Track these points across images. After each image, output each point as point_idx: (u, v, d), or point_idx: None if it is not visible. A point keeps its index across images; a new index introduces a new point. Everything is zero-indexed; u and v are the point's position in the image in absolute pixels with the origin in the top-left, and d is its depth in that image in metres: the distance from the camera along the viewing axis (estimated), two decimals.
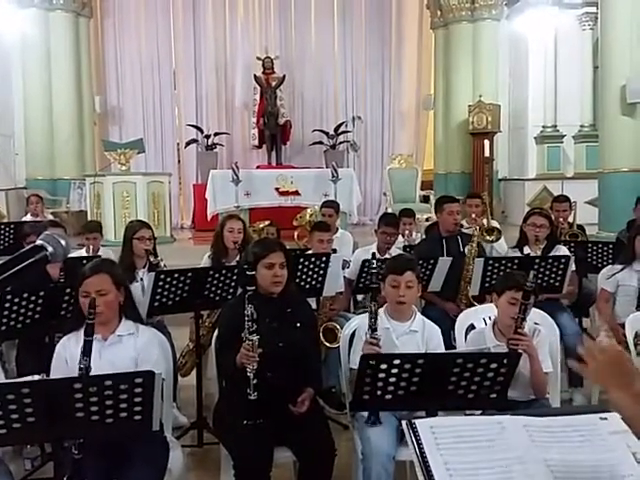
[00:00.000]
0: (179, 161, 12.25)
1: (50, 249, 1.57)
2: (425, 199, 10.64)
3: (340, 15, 12.36)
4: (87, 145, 11.07)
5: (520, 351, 2.66)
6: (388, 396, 2.39)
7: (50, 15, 10.46)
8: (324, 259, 4.10)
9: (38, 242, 1.60)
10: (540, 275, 3.99)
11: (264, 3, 12.21)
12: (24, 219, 7.11)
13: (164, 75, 12.06)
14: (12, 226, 5.69)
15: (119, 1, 11.83)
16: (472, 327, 3.20)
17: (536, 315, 3.15)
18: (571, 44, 10.39)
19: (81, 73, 10.91)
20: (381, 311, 2.89)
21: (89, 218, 8.11)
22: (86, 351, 2.29)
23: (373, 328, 2.73)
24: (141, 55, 11.91)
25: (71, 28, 10.70)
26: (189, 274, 3.67)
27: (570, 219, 5.60)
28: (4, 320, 3.20)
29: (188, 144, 11.35)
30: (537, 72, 10.49)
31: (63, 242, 1.61)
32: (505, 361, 2.43)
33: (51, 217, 7.14)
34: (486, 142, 10.56)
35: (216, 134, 11.35)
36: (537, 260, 4.14)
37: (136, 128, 11.77)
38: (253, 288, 2.69)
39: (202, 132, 11.26)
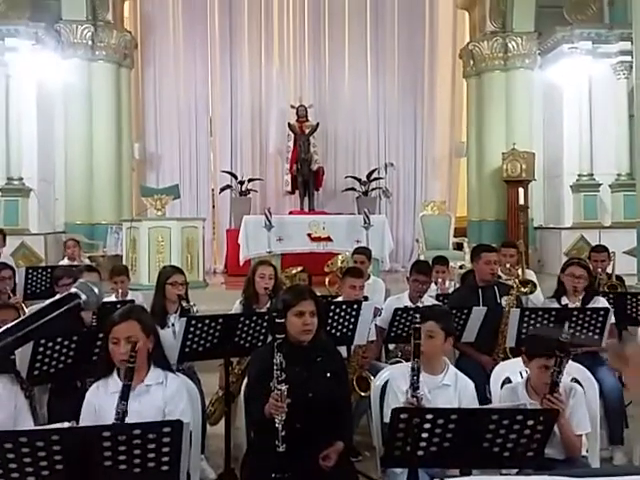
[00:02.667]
0: (213, 206, 12.41)
1: (84, 297, 1.59)
2: (458, 246, 10.53)
3: (373, 64, 12.56)
4: (125, 191, 11.31)
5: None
6: (420, 452, 2.31)
7: (92, 65, 10.85)
8: (355, 306, 4.06)
9: (72, 290, 1.62)
10: (579, 327, 3.89)
11: (299, 53, 12.49)
12: (61, 263, 7.24)
13: (201, 123, 12.34)
14: (49, 270, 5.78)
15: (159, 53, 12.23)
16: (508, 381, 3.11)
17: (574, 369, 3.05)
18: (606, 92, 10.34)
19: (121, 121, 11.23)
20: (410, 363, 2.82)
21: (124, 262, 8.22)
22: (124, 395, 2.29)
23: (415, 386, 2.65)
24: (179, 103, 12.23)
25: (112, 78, 11.07)
26: (220, 320, 3.66)
27: (609, 269, 5.49)
28: (37, 364, 3.21)
29: (222, 190, 11.53)
30: (572, 120, 10.42)
31: (96, 290, 1.63)
32: (542, 418, 2.35)
33: (87, 261, 7.26)
34: (521, 190, 10.48)
35: (250, 180, 11.50)
36: (575, 312, 4.03)
37: (172, 174, 12.01)
38: (282, 336, 2.66)
39: (236, 178, 11.42)
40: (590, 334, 4.00)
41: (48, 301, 1.60)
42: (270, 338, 3.08)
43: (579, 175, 10.40)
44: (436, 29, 12.73)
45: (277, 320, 2.72)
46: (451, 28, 12.84)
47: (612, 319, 4.12)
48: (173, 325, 4.05)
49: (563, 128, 10.53)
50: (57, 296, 4.74)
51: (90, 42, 10.74)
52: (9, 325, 1.47)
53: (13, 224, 9.41)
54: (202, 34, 12.25)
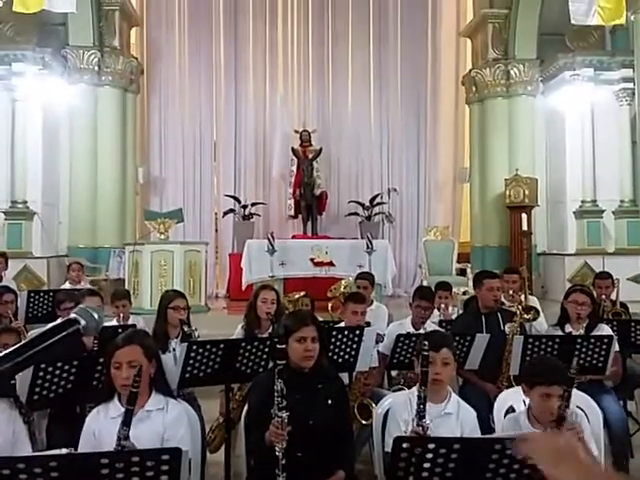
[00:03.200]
0: (216, 230, 12.43)
1: (83, 322, 1.59)
2: (462, 272, 10.51)
3: (376, 89, 12.66)
4: (129, 214, 11.36)
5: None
6: None
7: (98, 90, 10.96)
8: (358, 332, 4.03)
9: (72, 315, 1.62)
10: (582, 355, 3.86)
11: (303, 79, 12.61)
12: (63, 287, 7.24)
13: (205, 147, 12.42)
14: (51, 294, 5.78)
15: (165, 78, 12.36)
16: (512, 409, 3.07)
17: (577, 398, 3.01)
18: (608, 119, 10.39)
19: (126, 145, 11.32)
20: (413, 391, 2.80)
21: (126, 286, 8.22)
22: (126, 420, 2.27)
23: (421, 415, 2.61)
24: (184, 128, 12.32)
25: (118, 103, 11.18)
26: (221, 345, 3.64)
27: (613, 296, 5.46)
28: (37, 389, 3.19)
29: (226, 214, 11.56)
30: (574, 146, 10.46)
31: (96, 315, 1.62)
32: None
33: (89, 285, 7.25)
34: (524, 216, 10.47)
35: (253, 204, 11.54)
36: (579, 339, 4.00)
37: (176, 198, 12.06)
38: (284, 362, 2.64)
39: (239, 202, 11.47)
40: (594, 362, 3.96)
41: (48, 326, 1.60)
42: (271, 364, 3.07)
43: (582, 201, 10.40)
44: (439, 56, 12.86)
45: (278, 346, 2.70)
46: (453, 55, 12.97)
47: (616, 347, 4.09)
48: (174, 350, 4.02)
49: (566, 154, 10.57)
50: (58, 320, 4.73)
51: (96, 67, 10.87)
52: (8, 350, 1.46)
53: (16, 247, 9.43)
54: (207, 60, 12.40)
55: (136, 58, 11.69)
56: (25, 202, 9.75)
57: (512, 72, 11.34)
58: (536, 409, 2.75)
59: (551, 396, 2.64)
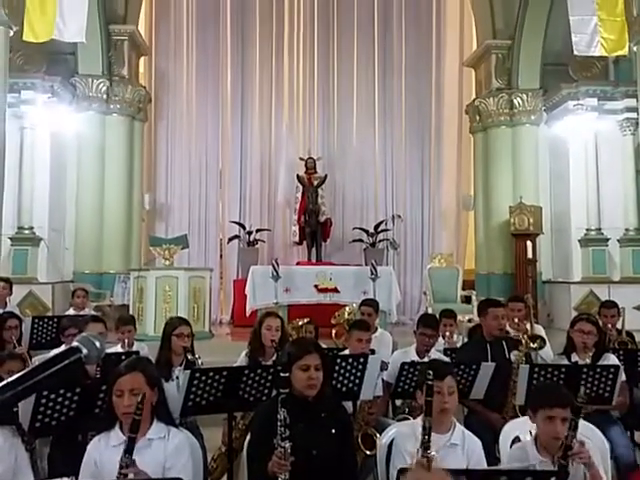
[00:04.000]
0: (221, 256, 12.45)
1: (85, 351, 1.57)
2: (466, 299, 10.47)
3: (381, 117, 12.77)
4: (134, 240, 11.40)
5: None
6: None
7: (106, 118, 11.09)
8: (362, 360, 4.01)
9: (74, 344, 1.61)
10: (589, 385, 3.82)
11: (308, 107, 12.73)
12: (67, 313, 7.23)
13: (211, 174, 12.51)
14: (55, 320, 5.77)
15: (172, 107, 12.51)
16: (518, 440, 3.03)
17: (584, 428, 2.96)
18: (612, 148, 10.42)
19: (133, 172, 11.41)
20: (418, 421, 2.77)
21: (131, 312, 8.21)
22: (129, 448, 2.25)
23: (426, 446, 2.57)
24: (190, 156, 12.42)
25: (126, 130, 11.29)
26: (224, 373, 3.62)
27: (618, 325, 5.42)
28: (39, 416, 3.17)
29: (230, 240, 11.60)
30: (578, 175, 10.48)
31: (98, 344, 1.61)
32: None
33: (93, 311, 7.24)
34: (528, 243, 10.47)
35: (258, 230, 11.58)
36: (585, 369, 3.97)
37: (182, 224, 12.11)
38: (287, 391, 2.62)
39: (244, 228, 11.51)
40: (601, 392, 3.92)
41: (50, 354, 1.60)
42: (275, 392, 3.04)
43: (587, 229, 10.38)
44: (442, 85, 12.99)
45: (281, 374, 2.68)
46: (457, 85, 13.10)
47: (623, 376, 4.05)
48: (177, 378, 4.00)
49: (570, 183, 10.58)
50: (62, 347, 4.73)
51: (105, 96, 11.01)
52: (10, 379, 1.46)
53: (22, 273, 9.45)
54: (214, 89, 12.55)
55: (144, 87, 11.84)
56: (31, 228, 9.79)
57: (515, 102, 11.42)
58: (542, 435, 2.72)
59: (554, 418, 2.61)
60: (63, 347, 4.74)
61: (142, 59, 12.23)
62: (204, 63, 12.58)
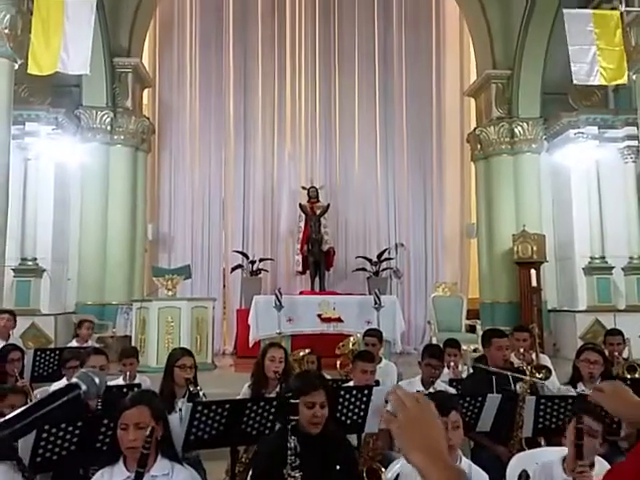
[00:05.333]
0: (224, 286, 12.42)
1: (84, 387, 1.56)
2: (471, 329, 10.39)
3: (382, 146, 12.85)
4: (137, 271, 11.39)
5: None
6: None
7: (110, 149, 11.18)
8: (366, 392, 3.96)
9: (73, 380, 1.60)
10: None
11: (310, 136, 12.81)
12: (70, 344, 7.20)
13: (214, 204, 12.55)
14: (57, 352, 5.74)
15: (176, 137, 12.61)
16: (525, 474, 2.97)
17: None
18: (614, 176, 10.43)
19: (136, 202, 11.45)
20: None
21: (133, 343, 8.16)
22: None
23: None
24: (193, 186, 12.48)
25: (129, 161, 11.37)
26: (227, 406, 3.57)
27: (625, 354, 5.37)
28: (40, 451, 3.13)
29: (234, 269, 11.58)
30: (581, 203, 10.48)
31: (97, 380, 1.60)
32: None
33: (95, 344, 7.21)
34: (532, 272, 10.40)
35: (261, 260, 11.56)
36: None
37: (185, 254, 12.11)
38: (297, 418, 2.57)
39: (247, 258, 11.50)
40: (608, 422, 3.86)
41: (52, 386, 1.58)
42: (278, 425, 3.00)
43: (591, 258, 10.33)
44: (443, 114, 13.09)
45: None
46: (458, 114, 13.20)
47: None
48: (180, 410, 3.95)
49: (572, 211, 10.58)
50: (63, 379, 4.68)
51: (109, 127, 11.11)
52: (10, 415, 1.44)
53: (24, 304, 9.41)
54: (217, 120, 12.66)
55: (148, 118, 11.95)
56: (35, 259, 9.79)
57: (516, 130, 11.49)
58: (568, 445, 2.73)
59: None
60: (64, 380, 4.71)
61: (146, 91, 12.37)
62: (207, 94, 12.71)
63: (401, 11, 13.05)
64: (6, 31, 7.73)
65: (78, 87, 10.93)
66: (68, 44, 7.40)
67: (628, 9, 7.87)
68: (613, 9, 8.47)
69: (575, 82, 7.98)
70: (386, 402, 3.96)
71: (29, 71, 7.55)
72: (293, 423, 2.54)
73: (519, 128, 11.47)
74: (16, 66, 7.93)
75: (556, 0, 10.34)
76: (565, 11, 7.93)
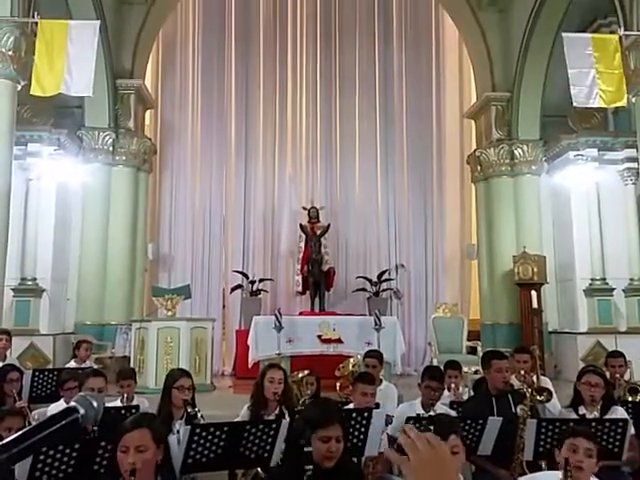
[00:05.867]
0: (224, 306, 12.39)
1: (82, 411, 1.57)
2: (472, 350, 10.34)
3: (383, 167, 12.90)
4: (137, 291, 11.37)
5: None
6: None
7: (112, 169, 11.21)
8: (366, 415, 3.93)
9: (72, 404, 1.60)
10: (597, 439, 3.72)
11: (311, 158, 12.87)
12: (68, 365, 7.16)
13: (214, 224, 12.57)
14: (55, 373, 5.71)
15: (177, 158, 12.68)
16: None
17: None
18: (614, 198, 10.45)
19: (137, 222, 11.47)
20: None
21: (132, 364, 8.12)
22: None
23: None
24: (194, 206, 12.52)
25: (130, 181, 11.40)
26: (225, 428, 3.54)
27: (626, 376, 5.34)
28: (37, 474, 3.09)
29: (233, 290, 11.56)
30: (581, 224, 10.48)
31: (95, 404, 1.60)
32: None
33: (94, 364, 7.18)
34: (533, 293, 10.40)
35: (261, 280, 11.55)
36: (593, 423, 3.89)
37: (184, 274, 12.10)
38: (311, 467, 2.50)
39: (247, 278, 11.49)
40: (610, 446, 3.83)
41: (50, 407, 1.57)
42: (277, 448, 2.96)
43: (592, 279, 10.31)
44: (443, 136, 13.17)
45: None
46: (458, 135, 13.27)
47: (632, 430, 3.96)
48: (178, 432, 3.92)
49: (573, 232, 10.58)
50: (61, 400, 4.64)
51: (111, 148, 11.17)
52: (7, 440, 1.43)
53: (24, 324, 9.39)
54: (219, 140, 12.74)
55: (150, 139, 12.02)
56: (34, 279, 9.77)
57: (516, 152, 11.54)
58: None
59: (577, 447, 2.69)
60: (62, 401, 4.67)
61: (148, 111, 12.45)
62: (209, 115, 12.80)
63: (401, 33, 13.20)
64: (10, 53, 7.81)
65: (80, 108, 11.01)
66: (71, 66, 7.45)
67: (627, 33, 7.94)
68: (612, 32, 8.56)
69: (575, 105, 8.02)
70: (386, 425, 3.93)
71: (32, 92, 7.58)
72: (309, 473, 2.46)
73: (519, 150, 11.52)
74: (19, 87, 7.98)
75: (555, 24, 10.47)
76: (564, 35, 7.99)
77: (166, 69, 12.87)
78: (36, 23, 7.68)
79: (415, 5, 13.27)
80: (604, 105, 8.03)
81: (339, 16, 13.13)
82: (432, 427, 2.64)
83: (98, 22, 8.12)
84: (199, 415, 4.05)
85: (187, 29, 12.98)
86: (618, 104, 7.99)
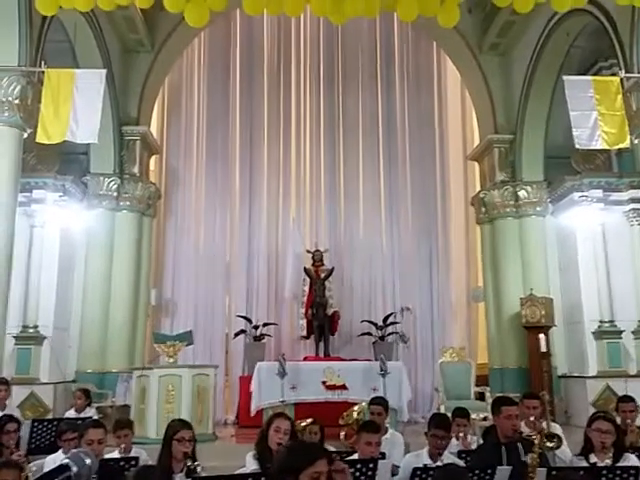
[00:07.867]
0: (227, 352, 12.24)
1: (75, 469, 1.53)
2: (480, 396, 10.12)
3: (387, 210, 12.90)
4: (139, 337, 11.28)
5: None
6: None
7: (116, 215, 11.25)
8: (371, 465, 3.81)
9: (65, 461, 1.56)
10: None
11: (315, 201, 12.90)
12: (68, 413, 7.05)
13: (218, 268, 12.52)
14: (55, 423, 5.61)
15: (181, 203, 12.72)
16: None
17: None
18: (620, 239, 10.35)
19: (140, 267, 11.45)
20: None
21: (132, 413, 7.97)
22: None
23: None
24: (198, 250, 12.50)
25: (134, 226, 11.43)
26: None
27: (638, 421, 5.20)
28: None
29: (237, 335, 11.45)
30: (588, 266, 10.37)
31: (88, 461, 1.56)
32: None
33: (94, 414, 7.06)
34: (541, 336, 10.24)
35: (265, 324, 11.45)
36: (605, 471, 3.77)
37: (187, 319, 12.00)
38: None
39: (251, 322, 11.39)
40: None
41: (47, 461, 1.51)
42: None
43: (600, 321, 10.13)
44: (447, 178, 13.20)
45: None
46: (462, 177, 13.31)
47: None
48: None
49: (579, 274, 10.47)
50: (59, 452, 4.53)
51: (115, 193, 11.23)
52: None
53: (24, 373, 9.27)
54: (223, 185, 12.81)
55: (154, 184, 12.10)
56: (36, 327, 9.64)
57: (520, 194, 11.56)
58: None
59: None
60: (60, 452, 4.56)
61: (153, 157, 12.57)
62: (213, 160, 12.90)
63: (403, 77, 13.37)
64: (16, 101, 7.93)
65: (86, 154, 11.12)
66: (77, 114, 7.54)
67: (628, 75, 8.02)
68: (613, 75, 8.64)
69: (577, 147, 8.05)
70: (392, 476, 3.82)
71: (38, 140, 7.66)
72: None
73: (523, 191, 11.54)
74: (25, 135, 8.07)
75: (556, 66, 10.61)
76: (565, 78, 8.06)
77: (171, 115, 13.04)
78: (43, 72, 7.81)
79: (417, 49, 13.48)
80: (607, 147, 8.06)
81: (342, 60, 13.34)
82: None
83: (104, 71, 8.25)
84: (199, 469, 3.93)
85: (192, 76, 13.19)
86: (621, 145, 8.01)
